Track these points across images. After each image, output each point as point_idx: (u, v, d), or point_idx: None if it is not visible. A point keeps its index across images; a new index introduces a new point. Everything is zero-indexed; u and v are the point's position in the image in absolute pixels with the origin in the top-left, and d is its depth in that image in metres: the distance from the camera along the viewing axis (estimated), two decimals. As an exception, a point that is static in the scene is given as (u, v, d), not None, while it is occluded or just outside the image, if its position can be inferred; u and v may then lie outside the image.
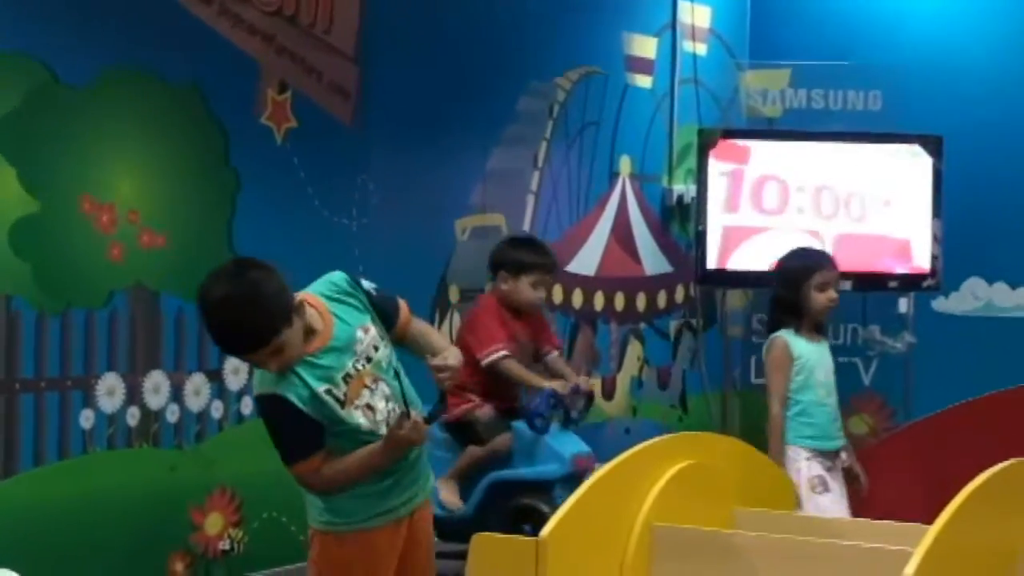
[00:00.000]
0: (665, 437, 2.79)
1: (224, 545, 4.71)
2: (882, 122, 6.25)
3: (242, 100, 4.71)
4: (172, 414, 4.56)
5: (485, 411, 4.65)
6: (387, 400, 2.92)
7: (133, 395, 4.46)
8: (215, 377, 4.69)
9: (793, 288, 4.58)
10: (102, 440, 4.36)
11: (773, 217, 6.01)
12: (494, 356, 4.59)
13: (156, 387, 4.52)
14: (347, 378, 2.87)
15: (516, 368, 4.59)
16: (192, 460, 4.63)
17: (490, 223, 5.64)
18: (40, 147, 4.18)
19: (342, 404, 2.85)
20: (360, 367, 2.89)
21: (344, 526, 2.97)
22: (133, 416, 4.47)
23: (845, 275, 5.15)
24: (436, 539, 4.36)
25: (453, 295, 5.57)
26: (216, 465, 4.70)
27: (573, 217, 6.01)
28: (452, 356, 2.98)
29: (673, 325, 6.50)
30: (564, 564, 2.47)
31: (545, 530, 2.48)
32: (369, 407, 2.89)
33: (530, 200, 5.82)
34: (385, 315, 3.05)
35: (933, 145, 5.98)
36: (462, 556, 3.59)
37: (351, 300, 2.98)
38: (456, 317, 5.50)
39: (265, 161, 4.79)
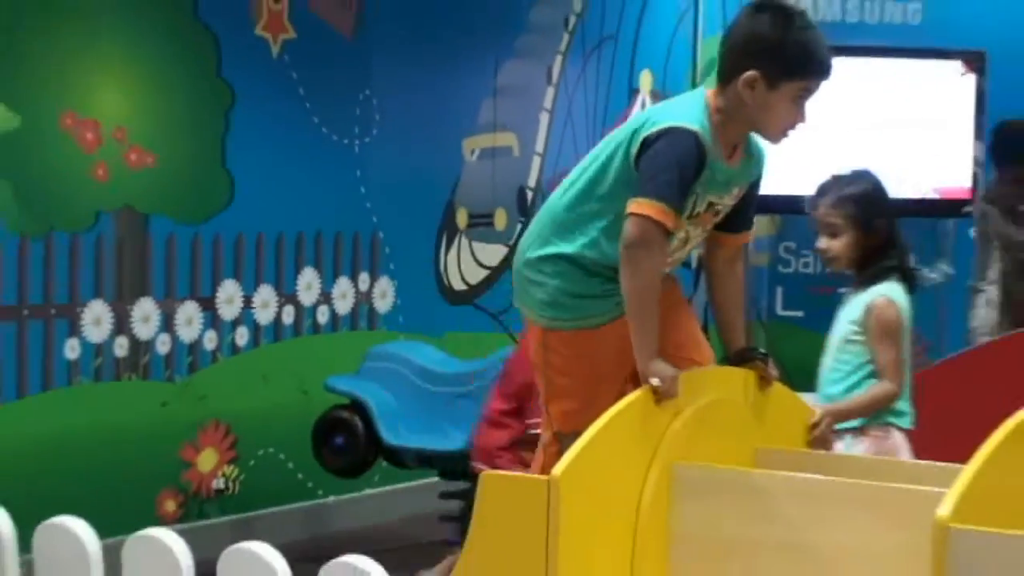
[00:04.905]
0: (684, 372, 2.65)
1: (218, 484, 4.76)
2: (921, 37, 6.27)
3: (235, 8, 4.73)
4: (162, 345, 4.62)
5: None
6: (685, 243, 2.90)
7: (121, 324, 4.51)
8: (208, 305, 4.74)
9: (891, 226, 3.64)
10: (88, 372, 4.42)
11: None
12: None
13: (145, 316, 4.56)
14: (710, 205, 2.84)
15: None
16: (184, 394, 4.67)
17: (501, 143, 5.65)
18: (20, 59, 4.21)
19: (690, 217, 2.83)
20: (716, 207, 2.86)
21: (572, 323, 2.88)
22: (121, 347, 4.53)
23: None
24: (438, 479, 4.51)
25: (461, 219, 5.60)
26: (209, 399, 4.74)
27: (590, 137, 5.93)
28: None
29: (695, 254, 5.93)
30: (578, 505, 2.41)
31: (557, 469, 2.41)
32: (684, 241, 2.87)
33: (544, 118, 5.84)
34: (739, 214, 2.98)
35: (976, 62, 5.96)
36: (468, 495, 3.65)
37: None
38: (464, 242, 5.54)
39: (260, 74, 4.83)
